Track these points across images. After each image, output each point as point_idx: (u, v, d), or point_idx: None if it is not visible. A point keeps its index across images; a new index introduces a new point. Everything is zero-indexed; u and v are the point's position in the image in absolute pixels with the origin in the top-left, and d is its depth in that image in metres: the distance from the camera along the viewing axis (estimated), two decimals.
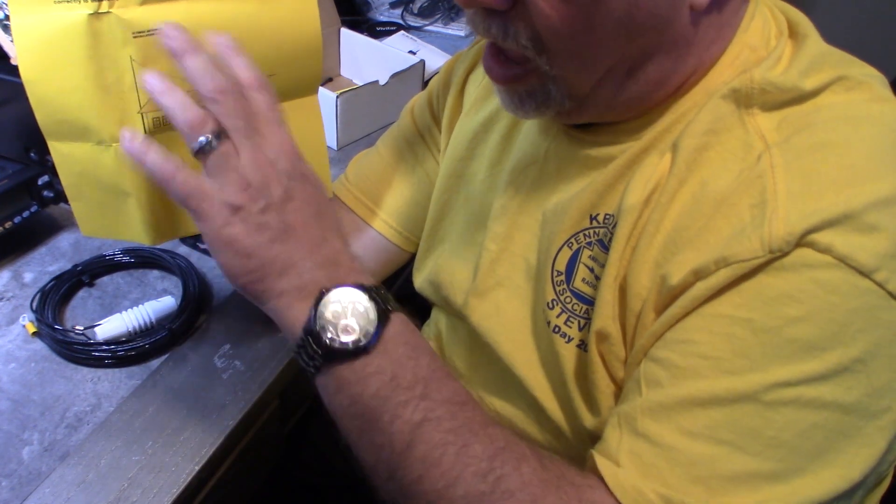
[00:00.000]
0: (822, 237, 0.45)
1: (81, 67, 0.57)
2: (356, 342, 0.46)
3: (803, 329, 0.45)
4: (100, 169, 0.62)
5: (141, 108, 0.58)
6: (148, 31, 0.56)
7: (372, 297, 0.47)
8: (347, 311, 0.46)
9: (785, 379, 0.45)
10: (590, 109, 0.54)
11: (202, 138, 0.47)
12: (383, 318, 0.47)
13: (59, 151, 0.62)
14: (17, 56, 0.57)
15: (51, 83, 0.58)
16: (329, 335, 0.46)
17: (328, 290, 0.47)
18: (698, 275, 0.48)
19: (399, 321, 0.48)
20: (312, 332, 0.47)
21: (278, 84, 0.64)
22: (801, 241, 0.45)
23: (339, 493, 0.88)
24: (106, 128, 0.59)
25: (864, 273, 0.44)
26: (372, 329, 0.46)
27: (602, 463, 0.48)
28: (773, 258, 0.45)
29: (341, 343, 0.46)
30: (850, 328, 0.45)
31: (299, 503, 0.91)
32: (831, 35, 0.54)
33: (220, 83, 0.48)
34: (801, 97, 0.51)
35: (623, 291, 0.53)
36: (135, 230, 0.65)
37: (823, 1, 2.22)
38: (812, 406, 0.45)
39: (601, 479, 0.47)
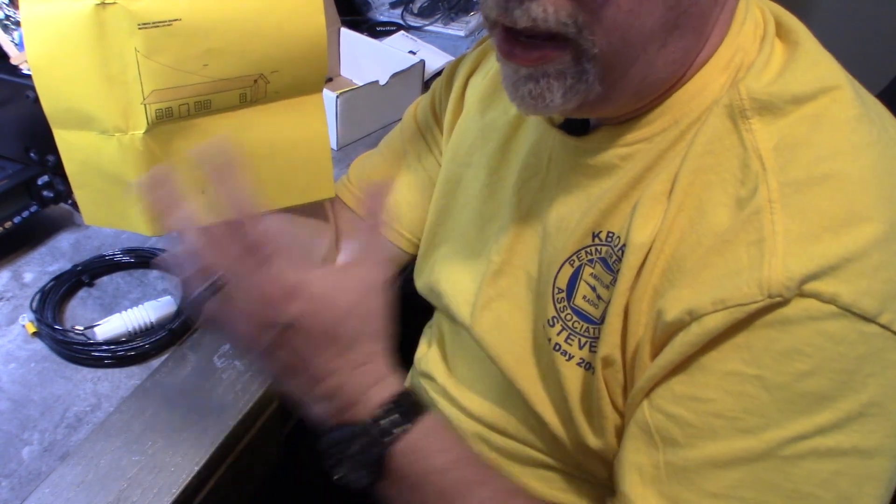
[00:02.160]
0: (825, 286, 0.44)
1: (87, 57, 0.57)
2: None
3: (814, 382, 0.45)
4: (103, 158, 0.62)
5: (144, 98, 0.58)
6: (153, 23, 0.56)
7: (372, 430, 0.52)
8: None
9: (800, 433, 0.46)
10: (616, 97, 0.52)
11: (198, 289, 0.51)
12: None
13: (64, 139, 0.62)
14: (24, 44, 0.58)
15: (57, 72, 0.58)
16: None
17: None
18: (693, 315, 0.48)
19: (401, 453, 0.52)
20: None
21: (282, 81, 0.64)
22: (803, 290, 0.45)
23: (338, 493, 0.87)
24: (109, 118, 0.59)
25: (868, 318, 0.44)
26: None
27: None
28: (773, 304, 0.45)
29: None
30: (860, 374, 0.45)
31: (299, 503, 0.91)
32: (831, 36, 0.53)
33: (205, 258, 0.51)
34: (797, 103, 0.50)
35: (626, 316, 0.54)
36: (136, 221, 0.65)
37: (823, 2, 2.22)
38: (830, 455, 0.46)
39: None
